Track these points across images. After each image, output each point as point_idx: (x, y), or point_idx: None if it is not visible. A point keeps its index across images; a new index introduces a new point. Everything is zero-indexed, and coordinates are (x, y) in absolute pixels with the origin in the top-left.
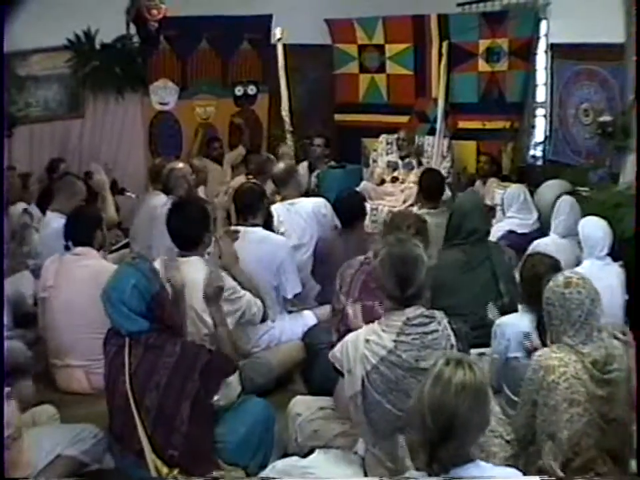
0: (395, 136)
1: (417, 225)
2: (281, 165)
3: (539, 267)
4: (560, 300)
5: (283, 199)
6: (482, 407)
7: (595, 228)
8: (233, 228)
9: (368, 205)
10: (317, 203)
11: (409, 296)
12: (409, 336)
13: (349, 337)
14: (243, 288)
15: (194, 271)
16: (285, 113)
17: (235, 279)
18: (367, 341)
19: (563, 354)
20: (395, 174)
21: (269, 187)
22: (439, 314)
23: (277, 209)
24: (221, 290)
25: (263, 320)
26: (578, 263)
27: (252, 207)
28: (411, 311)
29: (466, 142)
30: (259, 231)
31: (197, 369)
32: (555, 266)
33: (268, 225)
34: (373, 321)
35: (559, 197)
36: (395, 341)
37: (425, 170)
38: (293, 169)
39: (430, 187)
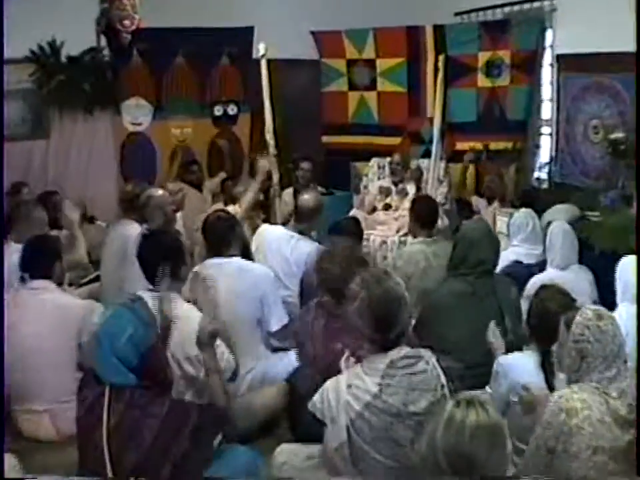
0: (388, 159)
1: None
2: (306, 197)
3: (550, 302)
4: (596, 334)
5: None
6: (500, 447)
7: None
8: (204, 274)
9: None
10: (312, 253)
11: (393, 338)
12: (394, 378)
13: (329, 383)
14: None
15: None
16: (268, 134)
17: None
18: (349, 386)
19: (586, 395)
20: (388, 201)
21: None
22: (425, 352)
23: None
24: (217, 333)
25: (232, 379)
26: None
27: (224, 239)
28: (394, 353)
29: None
30: (236, 261)
31: (185, 431)
32: (567, 301)
33: (245, 253)
34: (339, 370)
35: (549, 224)
36: (379, 384)
37: (417, 197)
38: (321, 205)
39: (423, 215)
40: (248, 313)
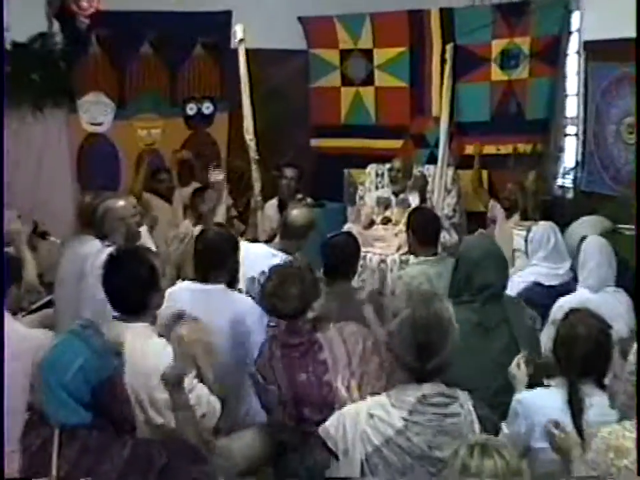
0: (387, 166)
1: None
2: (295, 213)
3: (580, 328)
4: None
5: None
6: None
7: None
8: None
9: None
10: None
11: (431, 369)
12: (423, 416)
13: (347, 409)
14: (199, 378)
15: (140, 344)
16: (248, 137)
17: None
18: (371, 416)
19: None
20: (387, 214)
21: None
22: (462, 395)
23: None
24: (182, 379)
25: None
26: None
27: (220, 263)
28: (428, 387)
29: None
30: (221, 290)
31: (150, 476)
32: (602, 327)
33: (233, 280)
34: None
35: (583, 238)
36: (405, 420)
37: (414, 209)
38: (312, 221)
39: (422, 230)
40: (232, 351)
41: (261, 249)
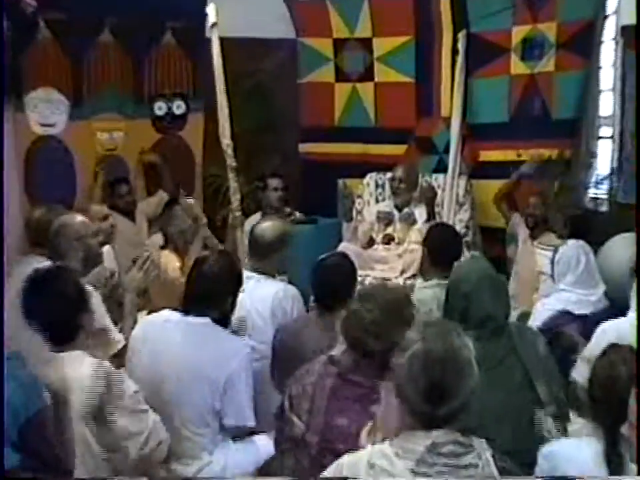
0: (388, 175)
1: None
2: (262, 227)
3: (622, 368)
4: None
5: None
6: None
7: None
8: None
9: None
10: (279, 296)
11: (443, 415)
12: (432, 467)
13: (346, 457)
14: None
15: (76, 372)
16: (225, 141)
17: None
18: (372, 465)
19: None
20: (389, 231)
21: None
22: (479, 443)
23: None
24: (117, 398)
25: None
26: None
27: (216, 296)
28: (439, 435)
29: (492, 181)
30: (206, 324)
31: None
32: None
33: (224, 318)
34: (348, 450)
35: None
36: (413, 471)
37: (435, 225)
38: (282, 237)
39: (440, 250)
40: (202, 397)
41: None
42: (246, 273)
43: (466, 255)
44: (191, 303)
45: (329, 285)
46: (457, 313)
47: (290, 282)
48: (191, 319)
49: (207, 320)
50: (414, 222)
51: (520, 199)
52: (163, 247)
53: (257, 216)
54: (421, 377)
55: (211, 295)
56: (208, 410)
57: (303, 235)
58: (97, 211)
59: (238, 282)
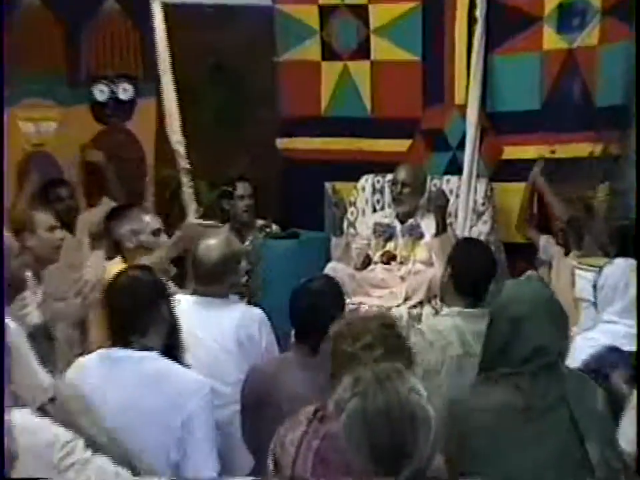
0: (388, 177)
1: (385, 336)
2: (207, 245)
3: None
4: None
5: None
6: None
7: None
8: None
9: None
10: (243, 320)
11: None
12: None
13: None
14: (95, 446)
15: None
16: (175, 138)
17: (80, 430)
18: None
19: None
20: (390, 247)
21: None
22: None
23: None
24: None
25: None
26: None
27: (139, 319)
28: None
29: (518, 185)
30: (153, 359)
31: None
32: None
33: (173, 347)
34: None
35: None
36: None
37: (463, 240)
38: (231, 258)
39: (469, 271)
40: (156, 446)
41: (193, 298)
42: (192, 298)
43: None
44: (121, 336)
45: (313, 316)
46: (500, 344)
47: (258, 307)
48: (134, 353)
49: (154, 354)
50: (420, 236)
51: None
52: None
53: (221, 231)
54: (363, 442)
55: (149, 319)
56: (163, 461)
57: (280, 253)
58: (41, 221)
59: (163, 298)
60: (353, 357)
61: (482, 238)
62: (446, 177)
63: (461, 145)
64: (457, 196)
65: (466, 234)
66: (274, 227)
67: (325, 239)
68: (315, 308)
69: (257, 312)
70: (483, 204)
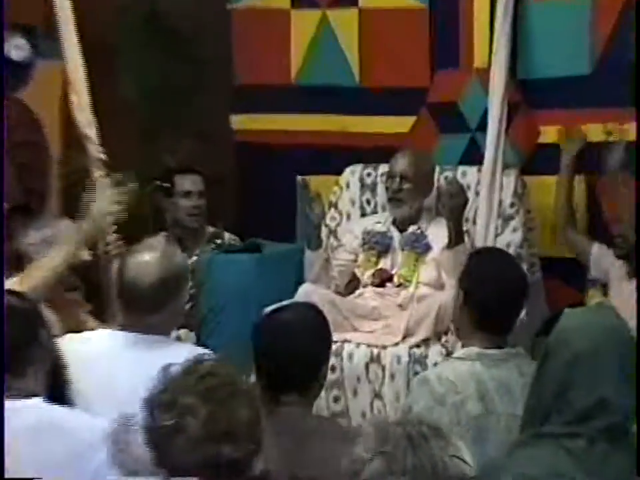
0: (382, 168)
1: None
2: (139, 261)
3: None
4: None
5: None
6: None
7: None
8: None
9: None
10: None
11: None
12: None
13: None
14: None
15: None
16: (81, 116)
17: None
18: None
19: None
20: (385, 264)
21: None
22: None
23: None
24: None
25: None
26: None
27: (15, 359)
28: None
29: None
30: (34, 406)
31: None
32: None
33: (59, 389)
34: None
35: None
36: None
37: (482, 253)
38: (175, 277)
39: (490, 297)
40: None
41: (116, 336)
42: (119, 336)
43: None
44: None
45: (282, 359)
46: (553, 392)
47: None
48: (14, 403)
49: (37, 401)
50: (426, 249)
51: (611, 210)
52: None
53: (160, 238)
54: None
55: (23, 357)
56: None
57: (236, 272)
58: None
59: (40, 325)
60: None
61: (511, 251)
62: (461, 168)
63: (482, 125)
64: (477, 194)
65: (489, 244)
66: (227, 236)
67: (296, 253)
68: (287, 347)
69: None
70: (512, 205)
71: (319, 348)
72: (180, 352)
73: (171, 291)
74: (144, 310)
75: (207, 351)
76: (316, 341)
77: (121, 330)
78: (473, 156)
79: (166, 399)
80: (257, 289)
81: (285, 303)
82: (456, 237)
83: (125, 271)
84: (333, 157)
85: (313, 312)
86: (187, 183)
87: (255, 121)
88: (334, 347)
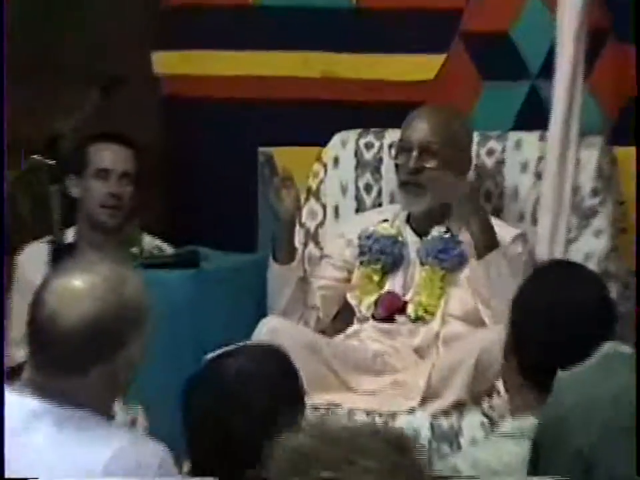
0: (389, 137)
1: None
2: (66, 288)
3: None
4: None
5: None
6: None
7: None
8: None
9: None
10: (117, 465)
11: None
12: None
13: None
14: None
15: None
16: None
17: None
18: None
19: None
20: (393, 285)
21: None
22: None
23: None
24: None
25: None
26: None
27: None
28: None
29: None
30: None
31: None
32: None
33: None
34: None
35: None
36: None
37: (541, 270)
38: (130, 317)
39: (560, 342)
40: None
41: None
42: (27, 406)
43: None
44: None
45: (221, 433)
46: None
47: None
48: None
49: None
50: (459, 262)
51: None
52: None
53: (34, 248)
54: None
55: None
56: None
57: (162, 298)
58: None
59: None
60: None
61: (592, 265)
62: (515, 136)
63: (547, 68)
64: (538, 176)
65: (558, 253)
66: (148, 241)
67: (255, 268)
68: (230, 423)
69: (153, 451)
70: (595, 193)
71: (282, 419)
72: (108, 444)
73: (113, 338)
74: (65, 367)
75: (158, 446)
76: (279, 406)
77: (28, 394)
78: (534, 116)
79: None
80: (192, 323)
81: (234, 346)
82: (484, 236)
83: (39, 304)
84: (313, 118)
85: (277, 361)
86: (106, 156)
87: (192, 61)
88: (314, 415)
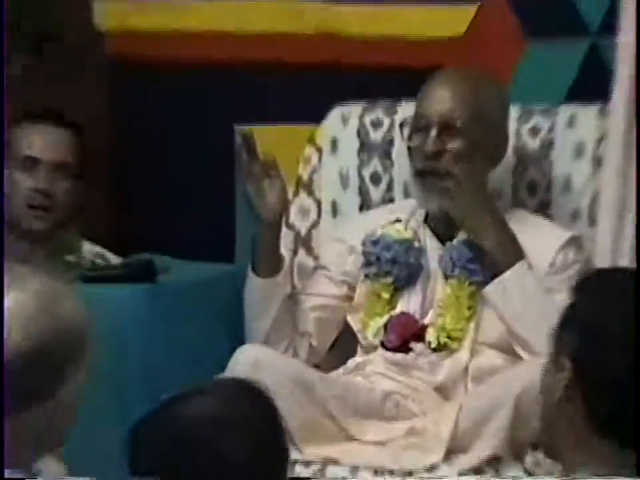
0: (402, 112)
1: None
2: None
3: None
4: None
5: None
6: None
7: None
8: None
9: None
10: None
11: None
12: None
13: None
14: None
15: None
16: None
17: None
18: None
19: None
20: (408, 305)
21: None
22: None
23: None
24: None
25: None
26: None
27: None
28: None
29: None
30: None
31: None
32: None
33: None
34: None
35: None
36: None
37: (598, 280)
38: (67, 345)
39: (629, 378)
40: None
41: None
42: None
43: None
44: None
45: None
46: None
47: None
48: None
49: None
50: (496, 273)
51: None
52: None
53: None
54: None
55: None
56: None
57: (106, 320)
58: None
59: None
60: None
61: None
62: (568, 110)
63: (609, 23)
64: (598, 161)
65: (624, 260)
66: (89, 249)
67: (229, 280)
68: (199, 465)
69: None
70: None
71: (254, 460)
72: None
73: (47, 373)
74: None
75: None
76: (258, 462)
77: None
78: (592, 84)
79: None
80: (144, 352)
81: (200, 383)
82: (501, 244)
83: None
84: (305, 86)
85: (256, 402)
86: (33, 141)
87: (146, 11)
88: (307, 472)
